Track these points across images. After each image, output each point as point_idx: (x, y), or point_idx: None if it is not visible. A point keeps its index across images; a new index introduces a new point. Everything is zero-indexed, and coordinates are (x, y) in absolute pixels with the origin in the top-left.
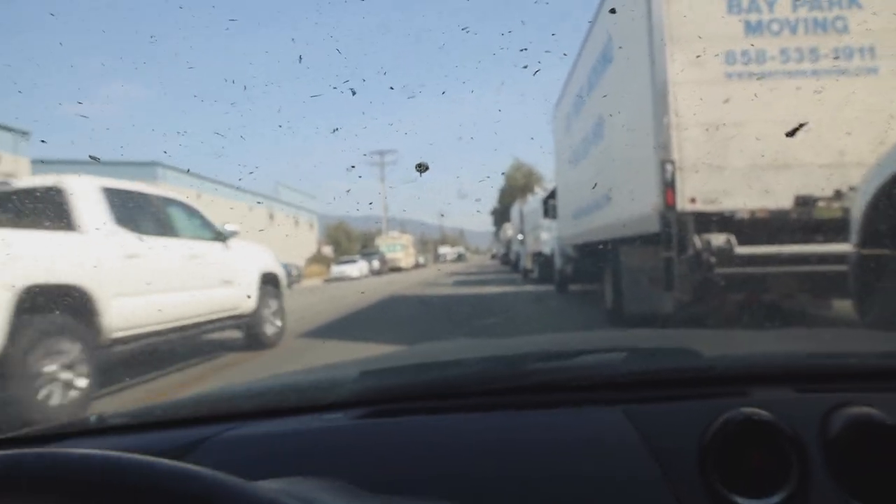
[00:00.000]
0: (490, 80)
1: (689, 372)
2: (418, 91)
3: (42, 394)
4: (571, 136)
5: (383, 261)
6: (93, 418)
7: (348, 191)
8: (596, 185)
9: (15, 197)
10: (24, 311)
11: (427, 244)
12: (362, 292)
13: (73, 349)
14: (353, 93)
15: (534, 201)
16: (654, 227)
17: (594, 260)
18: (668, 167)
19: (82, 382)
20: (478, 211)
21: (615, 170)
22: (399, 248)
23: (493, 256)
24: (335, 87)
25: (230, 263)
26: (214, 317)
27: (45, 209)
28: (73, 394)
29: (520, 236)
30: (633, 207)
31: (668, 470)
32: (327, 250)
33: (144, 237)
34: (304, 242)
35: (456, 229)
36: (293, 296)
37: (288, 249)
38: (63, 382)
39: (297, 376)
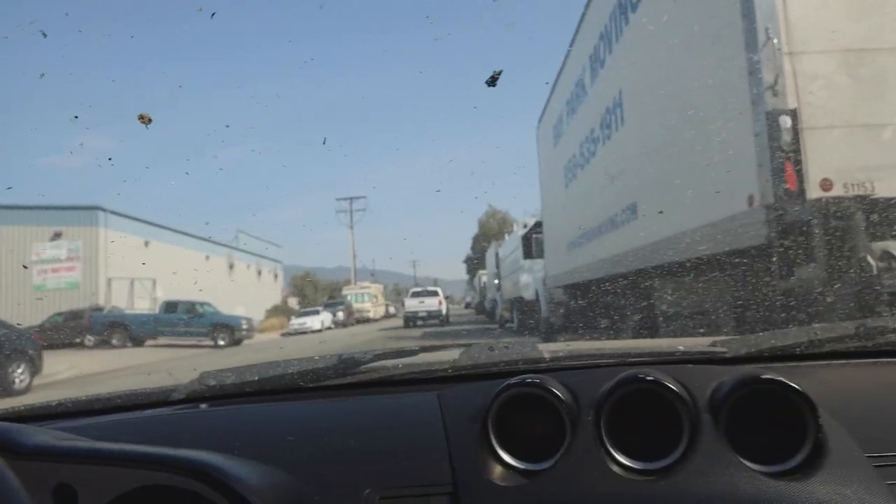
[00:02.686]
0: (467, 131)
1: (498, 365)
2: (395, 143)
3: None
4: (565, 145)
5: (349, 311)
6: None
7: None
8: (613, 178)
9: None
10: None
11: (401, 294)
12: (321, 342)
13: None
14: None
15: (511, 242)
16: (752, 236)
17: (603, 302)
18: (786, 122)
19: None
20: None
21: (649, 166)
22: (367, 298)
23: (468, 305)
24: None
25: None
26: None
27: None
28: None
29: (496, 281)
30: (690, 214)
31: (453, 437)
32: (293, 302)
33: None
34: (267, 293)
35: (430, 279)
36: (231, 355)
37: (249, 301)
38: None
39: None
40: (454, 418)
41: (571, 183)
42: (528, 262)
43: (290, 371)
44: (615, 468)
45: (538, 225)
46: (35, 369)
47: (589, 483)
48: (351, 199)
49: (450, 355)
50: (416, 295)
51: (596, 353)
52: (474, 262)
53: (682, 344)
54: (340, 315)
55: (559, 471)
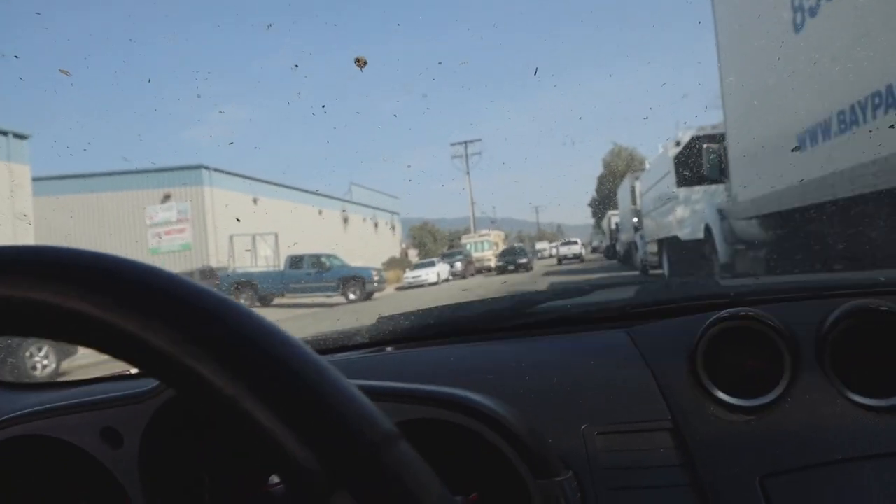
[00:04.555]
0: (586, 72)
1: (678, 302)
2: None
3: None
4: None
5: (469, 262)
6: None
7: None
8: None
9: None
10: None
11: (524, 241)
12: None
13: None
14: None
15: (655, 170)
16: None
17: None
18: None
19: None
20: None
21: None
22: (487, 246)
23: (594, 250)
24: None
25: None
26: None
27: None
28: None
29: (633, 220)
30: None
31: (659, 374)
32: (413, 254)
33: None
34: (385, 246)
35: (552, 224)
36: (364, 311)
37: (367, 254)
38: None
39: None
40: (654, 355)
41: (814, 18)
42: (684, 192)
43: (468, 313)
44: (847, 403)
45: (697, 140)
46: None
47: (822, 418)
48: (466, 142)
49: (624, 293)
50: (564, 244)
51: (787, 287)
52: (601, 205)
53: (882, 275)
54: (459, 266)
55: (784, 406)
